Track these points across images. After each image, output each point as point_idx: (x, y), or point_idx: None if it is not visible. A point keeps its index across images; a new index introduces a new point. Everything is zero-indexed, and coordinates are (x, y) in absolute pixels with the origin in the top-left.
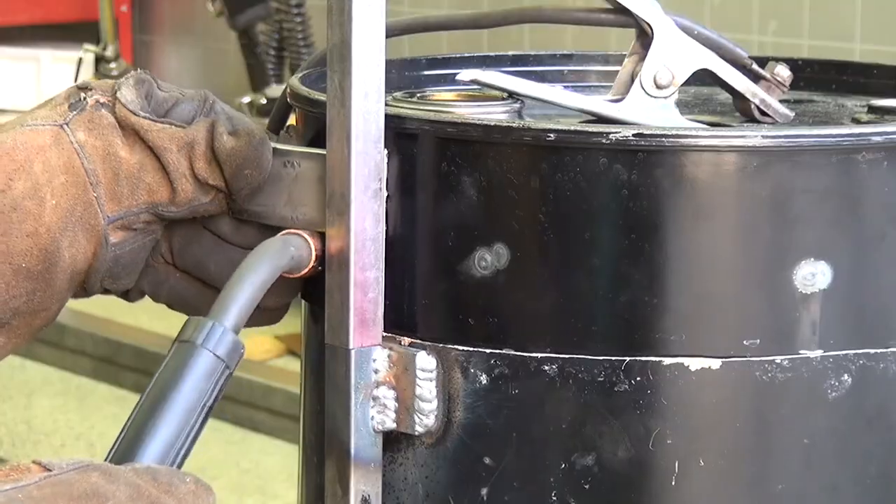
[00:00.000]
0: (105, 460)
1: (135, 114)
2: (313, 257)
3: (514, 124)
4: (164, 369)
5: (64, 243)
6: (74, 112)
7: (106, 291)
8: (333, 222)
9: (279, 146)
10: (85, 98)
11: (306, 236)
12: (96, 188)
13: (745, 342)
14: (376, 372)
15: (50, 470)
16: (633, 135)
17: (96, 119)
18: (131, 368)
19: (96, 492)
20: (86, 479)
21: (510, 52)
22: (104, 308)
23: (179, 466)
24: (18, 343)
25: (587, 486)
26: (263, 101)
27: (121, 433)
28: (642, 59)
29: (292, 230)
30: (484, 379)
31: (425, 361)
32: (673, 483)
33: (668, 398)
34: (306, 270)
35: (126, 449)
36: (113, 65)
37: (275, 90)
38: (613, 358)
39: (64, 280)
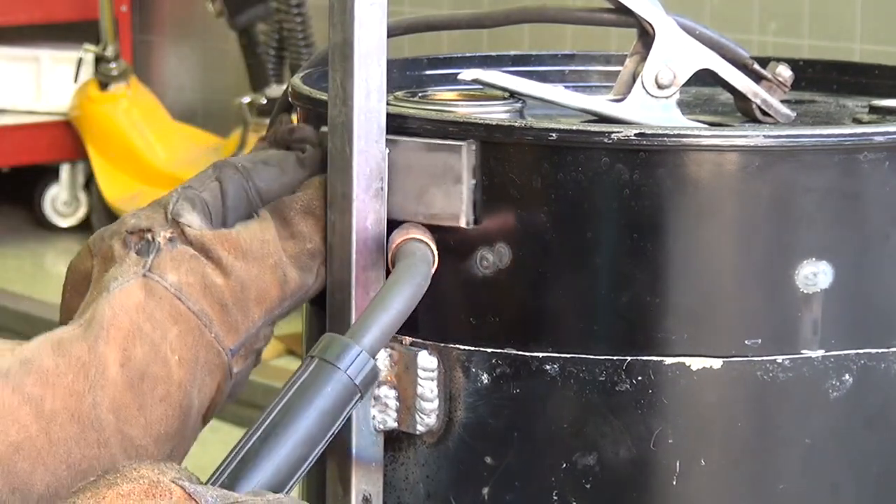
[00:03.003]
0: (214, 476)
1: (209, 232)
2: (435, 260)
3: (515, 124)
4: (298, 387)
5: (194, 392)
6: (149, 257)
7: None
8: (335, 221)
9: None
10: (152, 239)
11: (428, 240)
12: (211, 328)
13: (746, 342)
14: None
15: (191, 496)
16: (635, 134)
17: (177, 256)
18: None
19: None
20: None
21: (511, 52)
22: None
23: (289, 492)
24: None
25: (588, 486)
26: (263, 101)
27: (239, 446)
28: (644, 58)
29: (414, 236)
30: (485, 378)
31: (427, 361)
32: (674, 483)
33: (670, 398)
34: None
35: (241, 468)
36: (113, 65)
37: (275, 90)
38: (615, 357)
39: (196, 425)
